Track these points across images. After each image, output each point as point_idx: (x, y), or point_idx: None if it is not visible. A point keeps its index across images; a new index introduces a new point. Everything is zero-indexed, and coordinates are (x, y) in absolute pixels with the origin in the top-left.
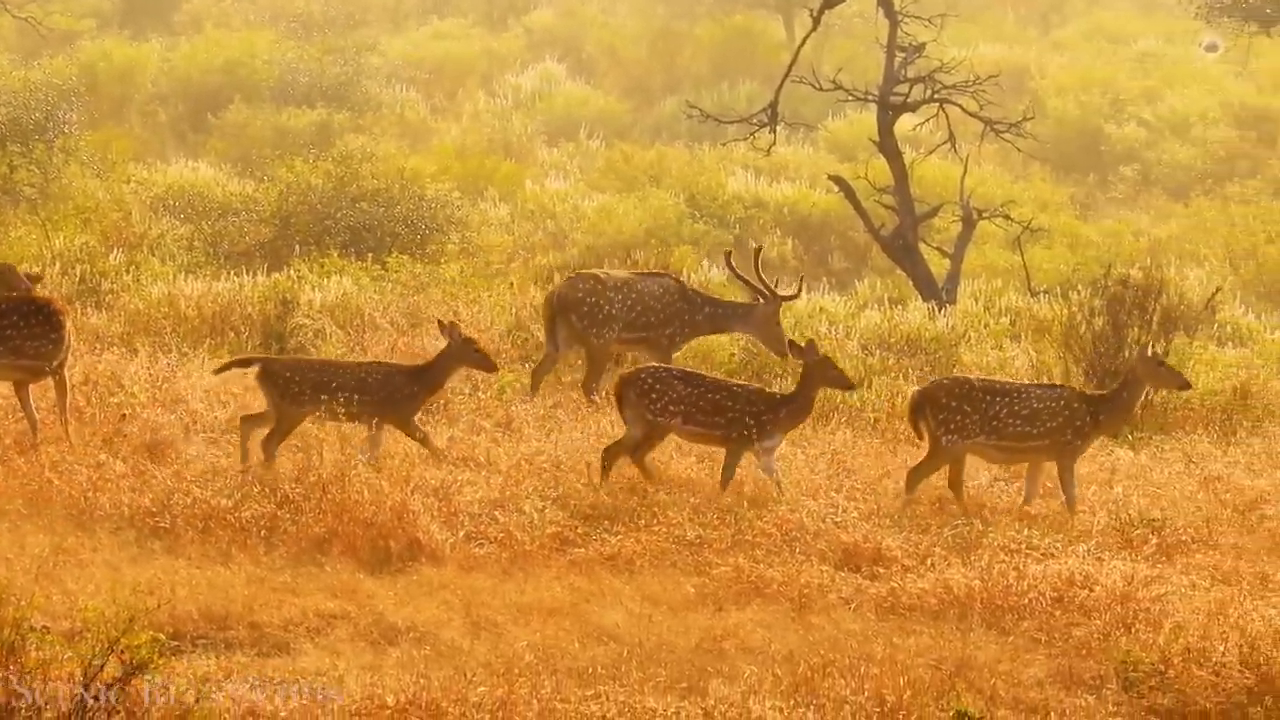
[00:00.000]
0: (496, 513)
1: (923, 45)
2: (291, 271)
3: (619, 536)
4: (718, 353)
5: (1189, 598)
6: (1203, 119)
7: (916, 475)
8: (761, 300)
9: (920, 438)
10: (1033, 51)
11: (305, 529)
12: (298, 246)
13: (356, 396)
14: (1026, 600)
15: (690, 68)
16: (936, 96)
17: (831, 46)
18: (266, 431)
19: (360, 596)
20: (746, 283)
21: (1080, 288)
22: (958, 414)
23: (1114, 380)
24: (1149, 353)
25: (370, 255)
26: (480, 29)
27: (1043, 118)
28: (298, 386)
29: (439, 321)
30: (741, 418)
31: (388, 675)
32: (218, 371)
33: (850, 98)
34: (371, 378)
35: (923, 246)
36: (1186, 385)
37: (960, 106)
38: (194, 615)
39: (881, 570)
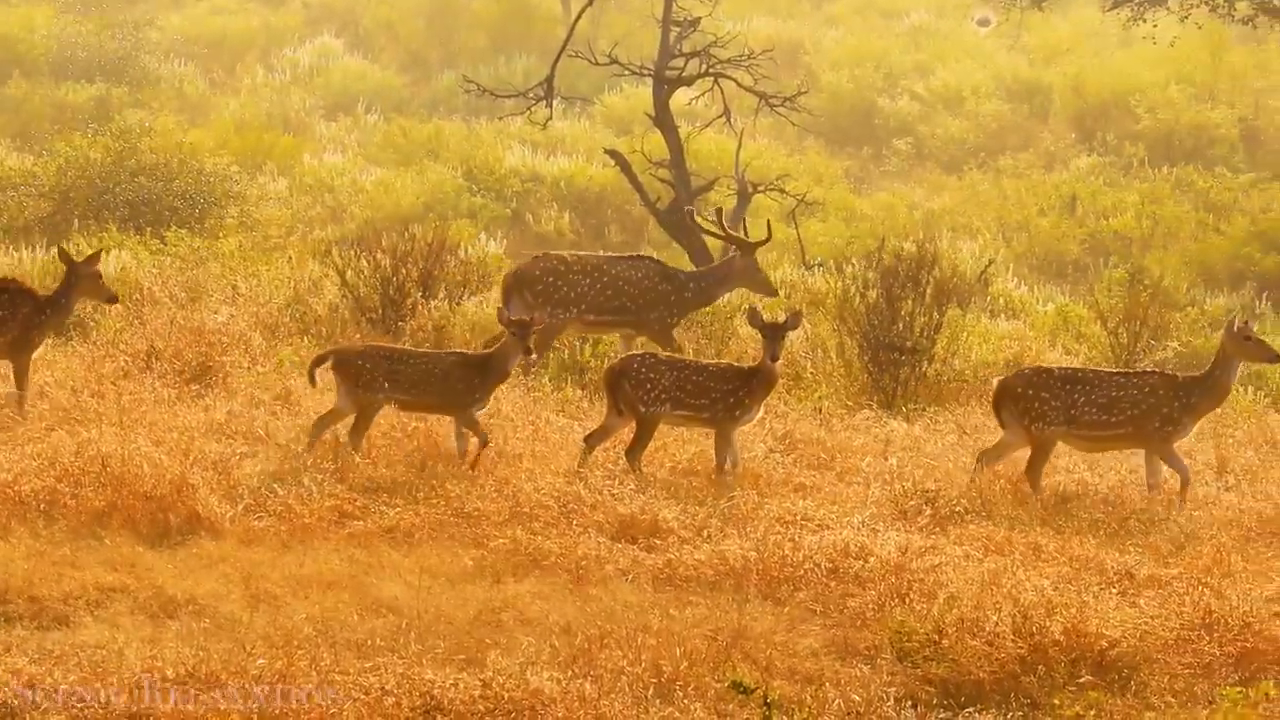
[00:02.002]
0: (275, 486)
1: (698, 20)
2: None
3: (397, 509)
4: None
5: (963, 568)
6: (975, 93)
7: (1033, 473)
8: (735, 252)
9: (1004, 427)
10: (806, 26)
11: (85, 502)
12: (77, 221)
13: (421, 386)
14: (802, 571)
15: (467, 42)
16: (711, 71)
17: (607, 21)
18: (340, 424)
19: (140, 570)
20: (718, 236)
21: (854, 260)
22: (1035, 402)
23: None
24: (1234, 327)
25: (149, 229)
26: (258, 3)
27: (817, 92)
28: (369, 375)
29: (499, 311)
30: (723, 397)
31: (167, 648)
32: (312, 380)
33: (626, 72)
34: (437, 368)
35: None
36: (1277, 358)
37: (735, 81)
38: None
39: (658, 542)
